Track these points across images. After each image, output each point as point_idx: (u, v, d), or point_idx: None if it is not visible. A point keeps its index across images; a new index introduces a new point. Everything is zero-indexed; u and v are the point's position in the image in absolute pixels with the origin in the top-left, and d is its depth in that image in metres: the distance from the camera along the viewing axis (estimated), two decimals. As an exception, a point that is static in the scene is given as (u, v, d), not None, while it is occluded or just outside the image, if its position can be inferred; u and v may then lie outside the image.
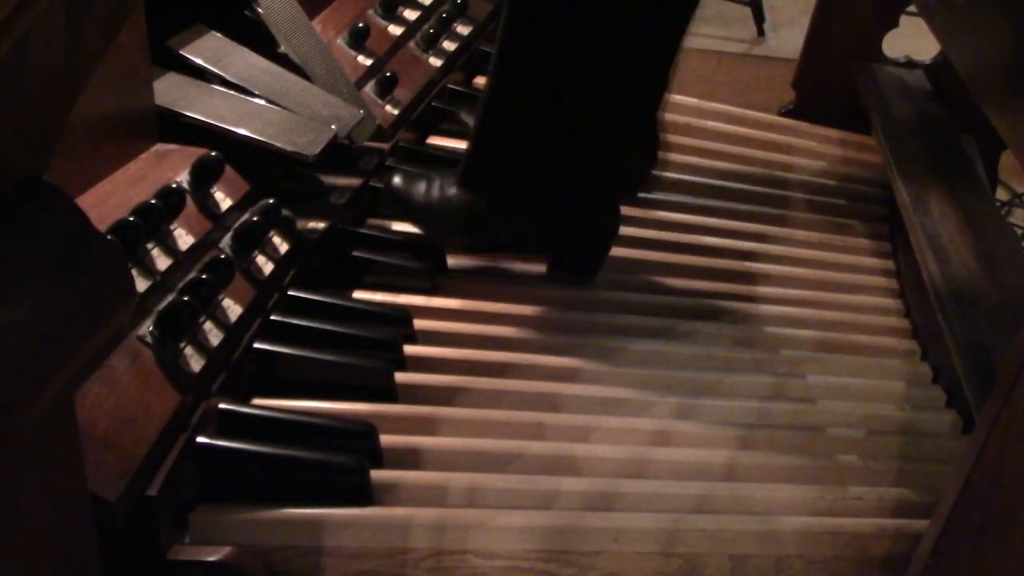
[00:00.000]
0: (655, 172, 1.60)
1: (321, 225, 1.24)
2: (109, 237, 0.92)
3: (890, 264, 1.60)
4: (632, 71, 1.23)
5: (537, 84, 1.22)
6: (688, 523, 1.01)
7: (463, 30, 1.74)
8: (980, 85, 1.16)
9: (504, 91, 1.24)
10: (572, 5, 1.16)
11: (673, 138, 1.77)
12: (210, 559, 0.87)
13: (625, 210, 1.54)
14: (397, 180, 1.33)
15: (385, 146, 1.44)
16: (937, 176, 1.54)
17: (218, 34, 1.27)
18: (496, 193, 1.29)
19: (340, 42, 1.48)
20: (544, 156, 1.26)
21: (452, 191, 1.30)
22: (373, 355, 1.13)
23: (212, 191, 1.11)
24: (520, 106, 1.24)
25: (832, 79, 1.91)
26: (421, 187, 1.32)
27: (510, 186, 1.29)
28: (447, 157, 1.54)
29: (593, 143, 1.26)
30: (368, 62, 1.50)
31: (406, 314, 1.21)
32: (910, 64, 1.91)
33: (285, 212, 1.17)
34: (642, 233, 1.51)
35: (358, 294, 1.24)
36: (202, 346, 0.97)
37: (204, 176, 1.09)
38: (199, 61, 1.22)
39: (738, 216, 1.62)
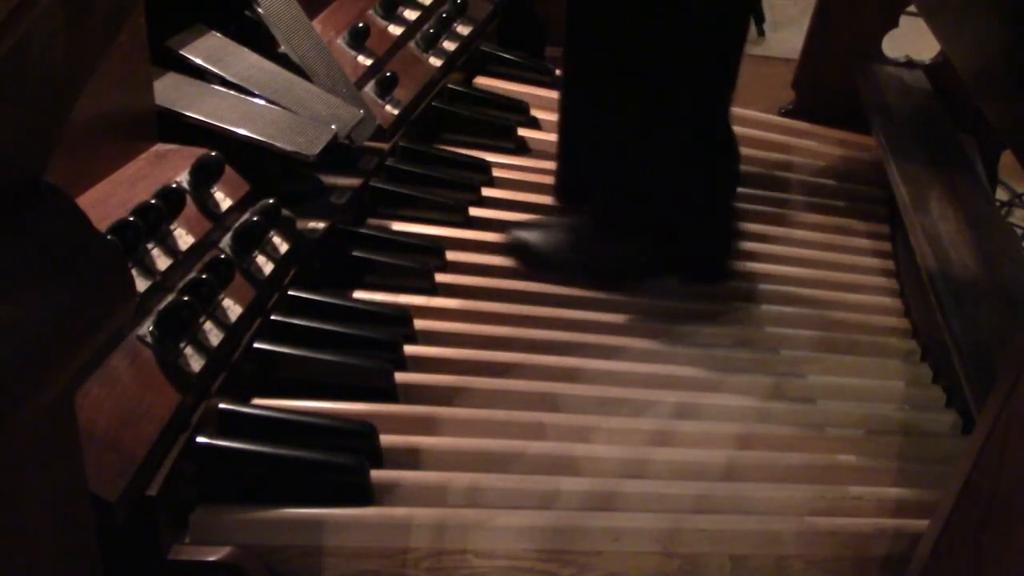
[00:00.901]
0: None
1: (321, 225, 1.24)
2: (109, 237, 0.92)
3: (890, 264, 1.60)
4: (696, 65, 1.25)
5: (609, 90, 1.25)
6: (688, 523, 1.01)
7: (463, 30, 1.74)
8: (980, 85, 1.16)
9: (579, 101, 1.27)
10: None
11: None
12: (210, 559, 0.87)
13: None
14: (519, 233, 1.35)
15: (385, 146, 1.44)
16: (937, 176, 1.54)
17: (218, 34, 1.27)
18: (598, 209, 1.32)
19: (340, 42, 1.48)
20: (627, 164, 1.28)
21: (564, 233, 1.33)
22: (373, 355, 1.13)
23: (212, 191, 1.11)
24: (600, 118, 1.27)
25: (832, 79, 1.91)
26: (543, 237, 1.34)
27: (606, 201, 1.31)
28: (448, 157, 1.55)
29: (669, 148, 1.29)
30: (368, 62, 1.50)
31: (406, 314, 1.21)
32: (910, 64, 1.91)
33: (285, 212, 1.17)
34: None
35: (358, 294, 1.24)
36: (202, 346, 0.97)
37: (204, 176, 1.09)
38: (199, 61, 1.22)
39: (738, 216, 1.62)
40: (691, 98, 1.26)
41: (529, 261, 1.34)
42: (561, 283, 1.33)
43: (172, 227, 1.02)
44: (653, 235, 1.33)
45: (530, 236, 1.34)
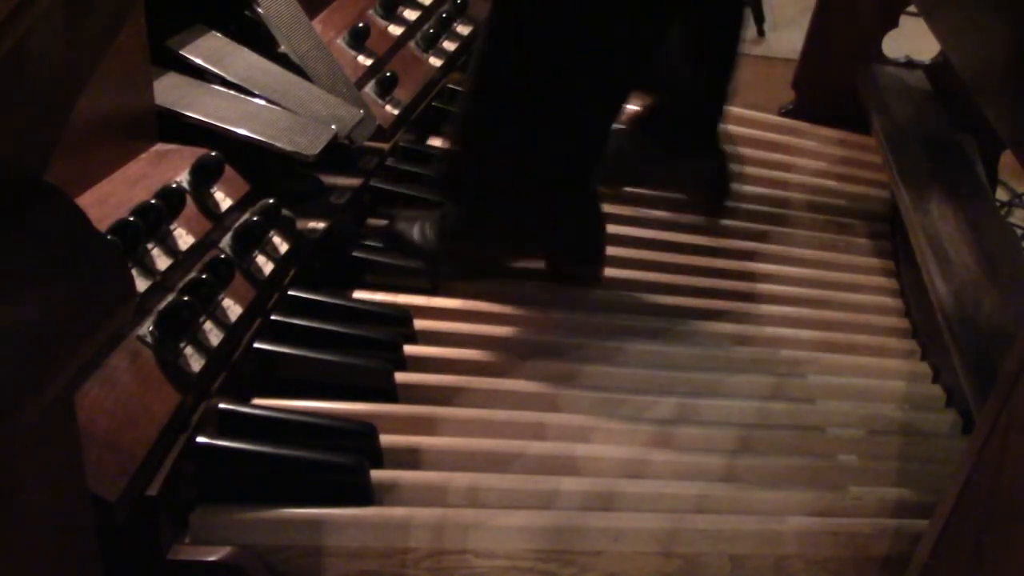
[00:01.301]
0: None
1: (321, 225, 1.24)
2: (109, 237, 0.92)
3: (890, 264, 1.61)
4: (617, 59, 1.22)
5: (522, 80, 1.21)
6: (688, 523, 1.01)
7: (463, 30, 1.74)
8: (980, 85, 1.16)
9: (489, 92, 1.23)
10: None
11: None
12: (210, 559, 0.87)
13: (626, 210, 1.55)
14: (400, 225, 1.33)
15: (385, 146, 1.44)
16: (937, 176, 1.54)
17: (218, 34, 1.27)
18: (477, 198, 1.29)
19: (340, 42, 1.48)
20: (524, 153, 1.25)
21: (433, 223, 1.31)
22: (373, 355, 1.13)
23: (212, 191, 1.11)
24: (504, 107, 1.23)
25: (832, 79, 1.91)
26: (415, 228, 1.32)
27: (489, 189, 1.29)
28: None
29: (572, 139, 1.26)
30: (368, 62, 1.50)
31: (406, 314, 1.21)
32: (910, 64, 1.91)
33: (285, 212, 1.17)
34: (642, 233, 1.51)
35: (358, 294, 1.24)
36: (202, 346, 0.97)
37: (204, 176, 1.09)
38: (199, 61, 1.22)
39: (738, 216, 1.62)
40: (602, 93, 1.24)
41: (402, 249, 1.32)
42: (429, 271, 1.31)
43: (172, 227, 1.02)
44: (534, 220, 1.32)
45: (402, 227, 1.33)
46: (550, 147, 1.24)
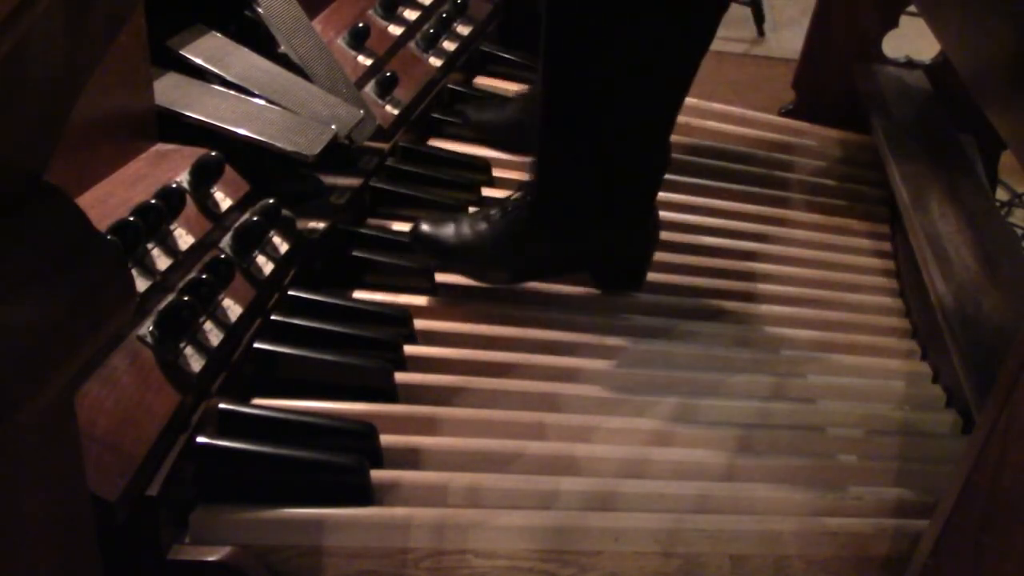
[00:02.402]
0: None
1: (321, 225, 1.24)
2: (109, 237, 0.92)
3: (890, 264, 1.61)
4: (671, 80, 1.23)
5: (590, 105, 1.20)
6: (688, 523, 1.01)
7: (463, 30, 1.74)
8: (980, 85, 1.16)
9: (560, 116, 1.23)
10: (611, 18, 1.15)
11: (673, 138, 1.76)
12: (210, 559, 0.87)
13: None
14: (425, 227, 1.29)
15: (385, 146, 1.44)
16: (937, 176, 1.54)
17: (218, 34, 1.27)
18: (545, 217, 1.27)
19: (340, 42, 1.48)
20: (596, 174, 1.25)
21: (483, 226, 1.28)
22: (373, 355, 1.13)
23: (212, 191, 1.11)
24: (577, 129, 1.22)
25: (832, 79, 1.91)
26: (450, 228, 1.29)
27: (561, 208, 1.27)
28: (447, 157, 1.55)
29: (641, 157, 1.26)
30: (368, 62, 1.50)
31: (406, 314, 1.21)
32: (910, 64, 1.91)
33: (285, 212, 1.17)
34: (642, 233, 1.51)
35: (358, 294, 1.24)
36: (202, 346, 0.97)
37: (204, 176, 1.09)
38: (199, 61, 1.22)
39: (738, 216, 1.62)
40: (664, 112, 1.27)
41: (438, 253, 1.29)
42: (472, 277, 1.30)
43: (172, 227, 1.03)
44: (575, 235, 1.30)
45: (440, 230, 1.29)
46: (620, 166, 1.25)
